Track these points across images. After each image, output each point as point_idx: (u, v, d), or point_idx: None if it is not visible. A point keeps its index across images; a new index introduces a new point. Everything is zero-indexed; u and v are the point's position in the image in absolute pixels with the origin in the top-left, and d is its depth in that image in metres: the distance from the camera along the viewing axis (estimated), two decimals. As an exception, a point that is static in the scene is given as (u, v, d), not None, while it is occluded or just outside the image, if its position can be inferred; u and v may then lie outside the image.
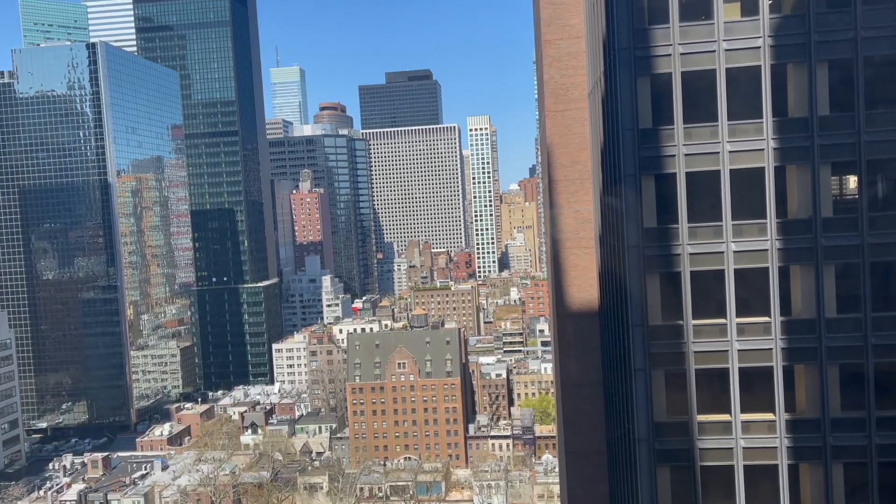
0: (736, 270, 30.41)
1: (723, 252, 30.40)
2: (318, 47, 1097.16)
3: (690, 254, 30.61)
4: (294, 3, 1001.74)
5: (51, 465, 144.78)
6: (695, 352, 30.68)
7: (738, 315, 30.47)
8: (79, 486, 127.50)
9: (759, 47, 29.86)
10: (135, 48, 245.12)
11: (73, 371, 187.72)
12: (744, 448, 30.55)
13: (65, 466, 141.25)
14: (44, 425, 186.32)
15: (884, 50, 30.02)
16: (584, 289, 44.69)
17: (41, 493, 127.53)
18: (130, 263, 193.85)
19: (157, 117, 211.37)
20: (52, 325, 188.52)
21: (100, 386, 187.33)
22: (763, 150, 30.01)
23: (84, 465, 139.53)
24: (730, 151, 30.19)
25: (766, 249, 30.13)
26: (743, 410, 30.50)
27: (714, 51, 30.16)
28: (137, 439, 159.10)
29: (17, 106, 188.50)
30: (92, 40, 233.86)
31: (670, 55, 30.54)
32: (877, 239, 29.83)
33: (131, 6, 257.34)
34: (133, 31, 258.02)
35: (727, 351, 30.54)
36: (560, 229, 45.50)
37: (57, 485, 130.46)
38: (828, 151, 29.92)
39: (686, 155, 30.57)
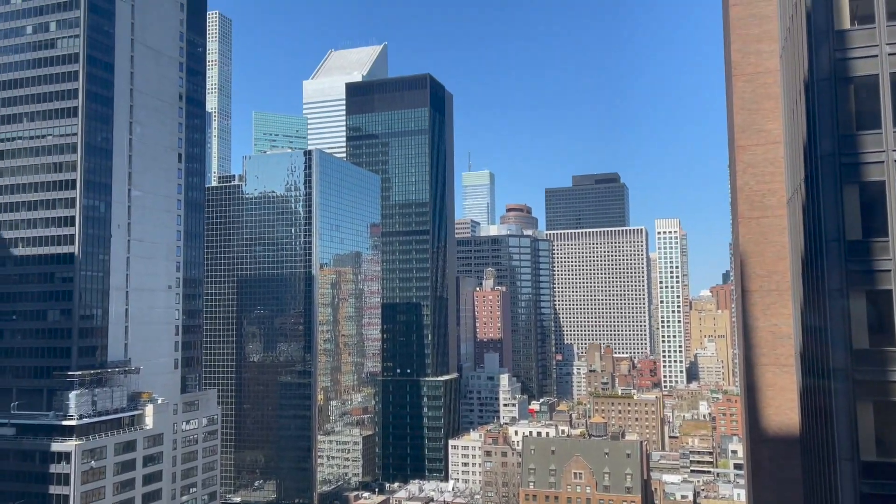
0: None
1: (953, 382, 26.50)
2: (508, 151, 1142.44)
3: (912, 382, 26.99)
4: (487, 111, 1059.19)
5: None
6: (920, 497, 26.48)
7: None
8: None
9: None
10: (344, 154, 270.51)
11: (267, 450, 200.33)
12: None
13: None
14: (237, 500, 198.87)
15: None
16: (782, 412, 40.69)
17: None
18: (325, 350, 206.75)
19: (359, 216, 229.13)
20: (253, 404, 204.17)
21: (288, 467, 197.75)
22: None
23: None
24: (959, 268, 26.79)
25: None
26: None
27: (936, 157, 27.46)
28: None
29: (242, 205, 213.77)
30: (309, 147, 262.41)
31: (883, 162, 28.22)
32: None
33: (344, 117, 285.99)
34: (344, 138, 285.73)
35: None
36: (754, 344, 42.27)
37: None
38: None
39: (904, 270, 27.52)
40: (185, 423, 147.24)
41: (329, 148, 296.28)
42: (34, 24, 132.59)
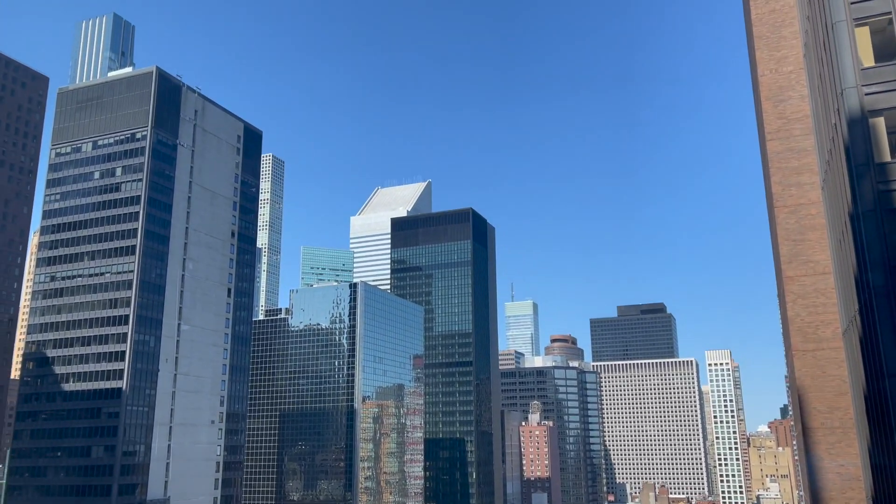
0: None
1: None
2: (551, 282, 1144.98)
3: None
4: (529, 242, 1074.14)
5: None
6: None
7: None
8: None
9: None
10: (388, 286, 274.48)
11: None
12: None
13: None
14: None
15: None
16: (861, 563, 37.33)
17: None
18: (366, 489, 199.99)
19: (402, 347, 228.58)
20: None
21: None
22: None
23: None
24: None
25: None
26: None
27: None
28: None
29: (288, 338, 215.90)
30: (354, 280, 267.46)
31: (941, 294, 27.38)
32: None
33: (389, 251, 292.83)
34: (388, 271, 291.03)
35: None
36: (822, 486, 39.54)
37: None
38: None
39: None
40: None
41: (374, 280, 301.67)
42: (102, 169, 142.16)
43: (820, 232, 42.65)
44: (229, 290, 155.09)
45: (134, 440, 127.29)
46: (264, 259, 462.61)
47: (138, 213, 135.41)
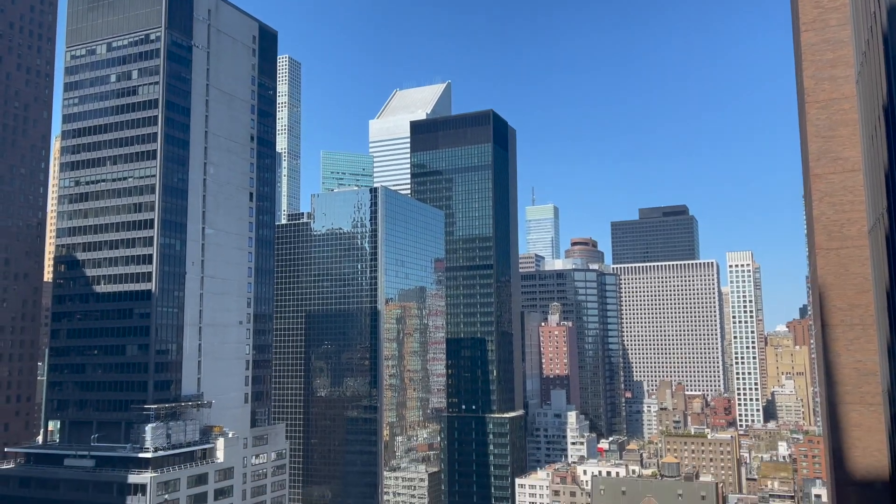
0: None
1: None
2: (572, 185, 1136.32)
3: None
4: (551, 144, 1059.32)
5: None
6: None
7: None
8: None
9: None
10: (409, 191, 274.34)
11: (334, 486, 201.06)
12: None
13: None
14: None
15: None
16: (870, 453, 38.36)
17: None
18: (390, 386, 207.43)
19: (423, 251, 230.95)
20: (320, 439, 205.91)
21: (355, 503, 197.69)
22: None
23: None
24: None
25: None
26: None
27: None
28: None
29: (311, 242, 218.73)
30: (374, 185, 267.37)
31: (973, 189, 26.71)
32: None
33: (408, 155, 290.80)
34: (408, 175, 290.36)
35: None
36: (837, 381, 40.15)
37: None
38: None
39: None
40: (254, 458, 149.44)
41: (394, 185, 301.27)
42: (118, 72, 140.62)
43: (851, 128, 41.43)
44: (251, 195, 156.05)
45: (166, 339, 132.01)
46: (284, 164, 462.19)
47: (157, 116, 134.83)
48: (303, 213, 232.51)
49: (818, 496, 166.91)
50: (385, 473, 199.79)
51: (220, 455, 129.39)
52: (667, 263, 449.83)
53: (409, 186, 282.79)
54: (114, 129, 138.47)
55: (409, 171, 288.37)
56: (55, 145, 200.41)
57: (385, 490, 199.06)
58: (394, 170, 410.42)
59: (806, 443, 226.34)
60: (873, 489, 38.02)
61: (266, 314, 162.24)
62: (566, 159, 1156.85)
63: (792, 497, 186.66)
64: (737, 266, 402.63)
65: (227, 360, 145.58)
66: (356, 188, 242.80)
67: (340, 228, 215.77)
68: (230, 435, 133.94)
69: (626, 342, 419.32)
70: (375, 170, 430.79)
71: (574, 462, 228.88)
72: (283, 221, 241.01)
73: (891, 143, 30.43)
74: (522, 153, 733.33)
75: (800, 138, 50.68)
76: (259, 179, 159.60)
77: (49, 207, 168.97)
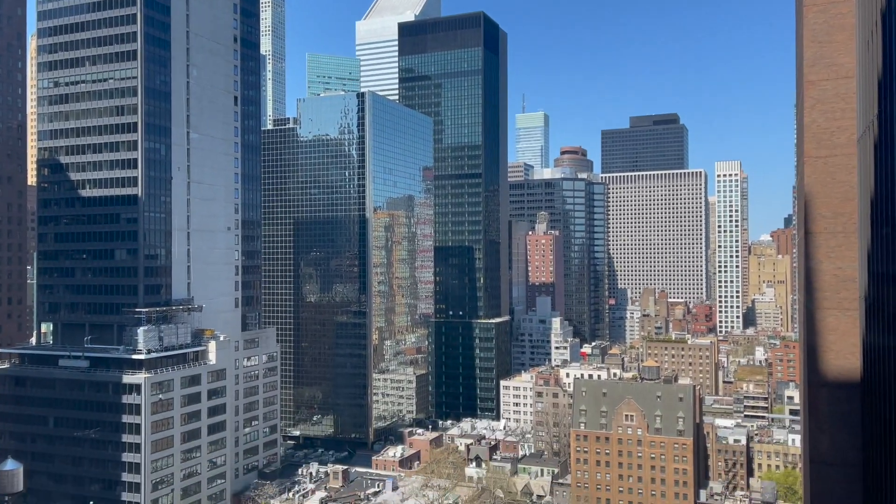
0: None
1: None
2: (563, 93, 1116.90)
3: (984, 326, 26.00)
4: (542, 50, 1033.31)
5: (300, 471, 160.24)
6: None
7: None
8: (321, 494, 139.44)
9: None
10: (397, 96, 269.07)
11: (325, 386, 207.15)
12: None
13: (311, 473, 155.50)
14: (297, 433, 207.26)
15: None
16: (843, 356, 39.81)
17: (290, 495, 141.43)
18: (379, 292, 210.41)
19: (411, 159, 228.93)
20: (310, 343, 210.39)
21: (345, 403, 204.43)
22: None
23: (327, 474, 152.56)
24: None
25: None
26: None
27: None
28: (373, 457, 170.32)
29: (297, 148, 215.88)
30: (362, 90, 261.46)
31: (965, 96, 26.62)
32: None
33: (396, 59, 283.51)
34: (396, 80, 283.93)
35: None
36: (817, 287, 41.16)
37: (303, 489, 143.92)
38: None
39: (982, 210, 26.23)
40: (246, 360, 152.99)
41: (382, 90, 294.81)
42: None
43: (848, 33, 40.63)
44: (236, 99, 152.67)
45: (154, 244, 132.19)
46: (269, 67, 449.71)
47: (135, 15, 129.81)
48: (289, 119, 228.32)
49: (790, 398, 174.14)
50: (374, 375, 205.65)
51: (212, 357, 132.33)
52: (655, 173, 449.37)
53: (396, 92, 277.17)
54: (92, 27, 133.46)
55: (396, 75, 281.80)
56: (31, 44, 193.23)
57: (374, 391, 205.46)
58: (381, 74, 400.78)
59: (782, 348, 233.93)
60: (844, 390, 39.72)
61: (254, 220, 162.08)
62: (557, 67, 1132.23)
63: (765, 399, 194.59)
64: (725, 176, 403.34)
65: (216, 266, 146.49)
66: (343, 93, 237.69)
67: (327, 135, 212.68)
68: (222, 338, 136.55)
69: (611, 250, 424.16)
70: (363, 74, 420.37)
71: (557, 365, 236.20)
72: (269, 127, 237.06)
73: (886, 48, 30.01)
74: (513, 59, 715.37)
75: (795, 44, 49.76)
76: (244, 83, 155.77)
77: (29, 109, 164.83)
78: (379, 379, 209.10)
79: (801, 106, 45.78)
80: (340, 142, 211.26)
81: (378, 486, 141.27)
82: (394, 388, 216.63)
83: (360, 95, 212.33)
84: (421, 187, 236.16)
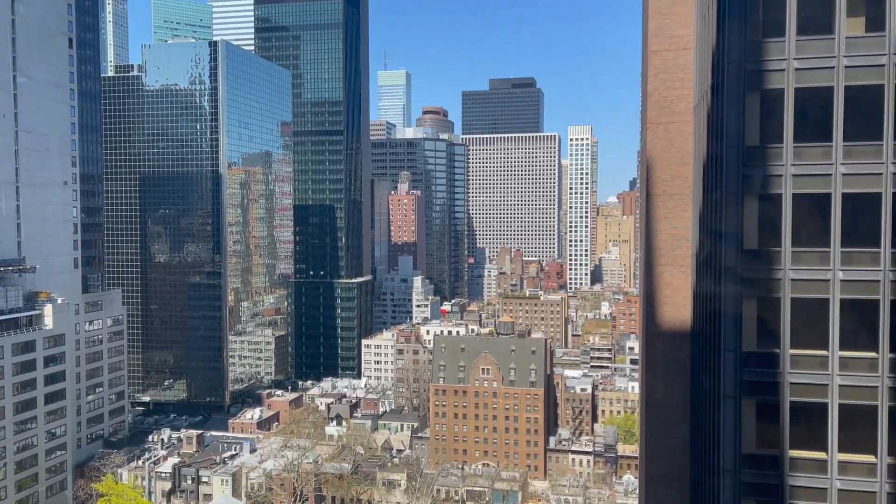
0: (842, 300, 28.67)
1: (829, 280, 28.74)
2: (425, 52, 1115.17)
3: (793, 279, 29.12)
4: (404, 8, 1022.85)
5: (150, 438, 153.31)
6: (791, 383, 29.14)
7: (841, 348, 28.71)
8: (174, 460, 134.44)
9: (884, 65, 28.07)
10: (253, 47, 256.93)
11: (177, 350, 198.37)
12: (839, 490, 28.72)
13: (163, 440, 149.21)
14: (147, 399, 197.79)
15: None
16: (677, 308, 43.27)
17: (140, 462, 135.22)
18: (235, 252, 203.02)
19: (269, 114, 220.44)
20: (160, 305, 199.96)
21: (199, 367, 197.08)
22: (881, 174, 28.17)
23: (180, 440, 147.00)
24: (843, 174, 28.53)
25: (879, 280, 28.25)
26: (840, 450, 28.68)
27: (833, 67, 28.60)
28: (230, 420, 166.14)
29: (143, 98, 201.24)
30: (214, 38, 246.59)
31: (784, 70, 29.19)
32: None
33: (252, 7, 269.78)
34: (252, 30, 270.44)
35: (827, 385, 28.83)
36: (655, 245, 44.28)
37: (154, 456, 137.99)
38: (955, 179, 27.77)
39: (794, 175, 29.12)
40: (87, 324, 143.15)
41: (236, 40, 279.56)
42: None
43: (688, 6, 43.24)
44: (70, 41, 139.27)
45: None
46: (109, 8, 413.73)
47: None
48: (132, 66, 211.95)
49: (631, 348, 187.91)
50: (230, 337, 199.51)
51: (48, 322, 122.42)
52: (513, 135, 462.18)
53: (252, 42, 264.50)
54: None
55: (252, 24, 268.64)
56: None
57: (231, 353, 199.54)
58: (236, 23, 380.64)
59: (625, 302, 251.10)
60: (677, 339, 43.31)
61: (94, 175, 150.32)
62: (420, 26, 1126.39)
63: (609, 350, 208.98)
64: (577, 140, 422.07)
65: (51, 223, 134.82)
66: (193, 40, 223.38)
67: (176, 85, 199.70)
68: (59, 301, 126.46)
69: (471, 211, 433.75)
70: (215, 21, 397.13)
71: (418, 323, 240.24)
72: (111, 74, 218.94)
73: (720, 23, 32.26)
74: (375, 15, 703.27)
75: (642, 15, 52.36)
76: (79, 24, 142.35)
77: None
78: (236, 341, 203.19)
79: (646, 74, 48.42)
80: (191, 93, 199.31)
81: (235, 449, 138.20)
82: (251, 350, 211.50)
83: (213, 44, 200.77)
84: (279, 143, 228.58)
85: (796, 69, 28.94)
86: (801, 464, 29.14)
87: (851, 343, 28.76)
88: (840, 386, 28.62)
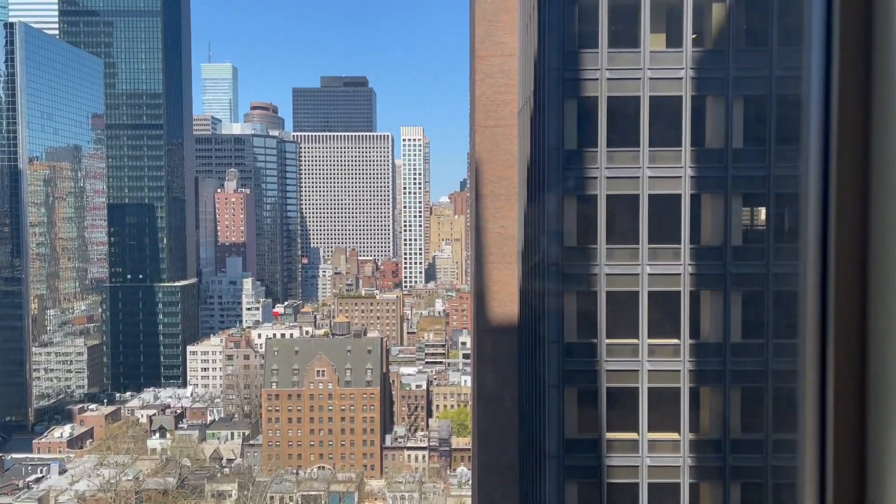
0: (650, 293, 31.27)
1: (638, 274, 31.22)
2: (253, 46, 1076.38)
3: (607, 274, 31.30)
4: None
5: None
6: (607, 370, 31.32)
7: (649, 336, 31.30)
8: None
9: (681, 78, 30.94)
10: (57, 32, 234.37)
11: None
12: (649, 466, 31.31)
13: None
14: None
15: (795, 90, 31.57)
16: (505, 304, 45.08)
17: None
18: (38, 255, 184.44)
19: (77, 105, 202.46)
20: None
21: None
22: (680, 177, 31.04)
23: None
24: (649, 177, 31.09)
25: (679, 274, 31.11)
26: (650, 430, 31.27)
27: (639, 78, 31.07)
28: (34, 441, 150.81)
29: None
30: (11, 20, 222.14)
31: (597, 79, 31.28)
32: (781, 269, 31.26)
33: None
34: (56, 13, 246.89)
35: (638, 371, 31.31)
36: (484, 244, 45.86)
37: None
38: (740, 183, 31.24)
39: (608, 178, 31.31)
40: None
41: (38, 23, 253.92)
42: None
43: (512, 14, 45.14)
44: None
45: None
46: None
47: None
48: None
49: (464, 343, 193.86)
50: (34, 349, 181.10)
51: None
52: (346, 134, 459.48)
53: (56, 26, 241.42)
54: None
55: (56, 7, 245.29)
56: None
57: (35, 367, 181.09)
58: (37, 4, 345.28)
59: (457, 299, 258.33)
60: (505, 333, 45.15)
61: None
62: (248, 19, 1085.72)
63: (443, 346, 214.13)
64: (409, 140, 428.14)
65: None
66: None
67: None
68: None
69: (304, 210, 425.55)
70: (11, 2, 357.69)
71: (249, 327, 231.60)
72: None
73: (541, 33, 34.05)
74: (197, 4, 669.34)
75: (469, 21, 54.02)
76: None
77: None
78: (40, 353, 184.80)
79: (474, 79, 50.01)
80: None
81: (41, 472, 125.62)
82: (60, 363, 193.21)
83: (10, 26, 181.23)
84: (90, 137, 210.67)
85: (608, 79, 31.13)
86: (617, 444, 31.44)
87: (658, 331, 31.47)
88: (649, 371, 31.20)
